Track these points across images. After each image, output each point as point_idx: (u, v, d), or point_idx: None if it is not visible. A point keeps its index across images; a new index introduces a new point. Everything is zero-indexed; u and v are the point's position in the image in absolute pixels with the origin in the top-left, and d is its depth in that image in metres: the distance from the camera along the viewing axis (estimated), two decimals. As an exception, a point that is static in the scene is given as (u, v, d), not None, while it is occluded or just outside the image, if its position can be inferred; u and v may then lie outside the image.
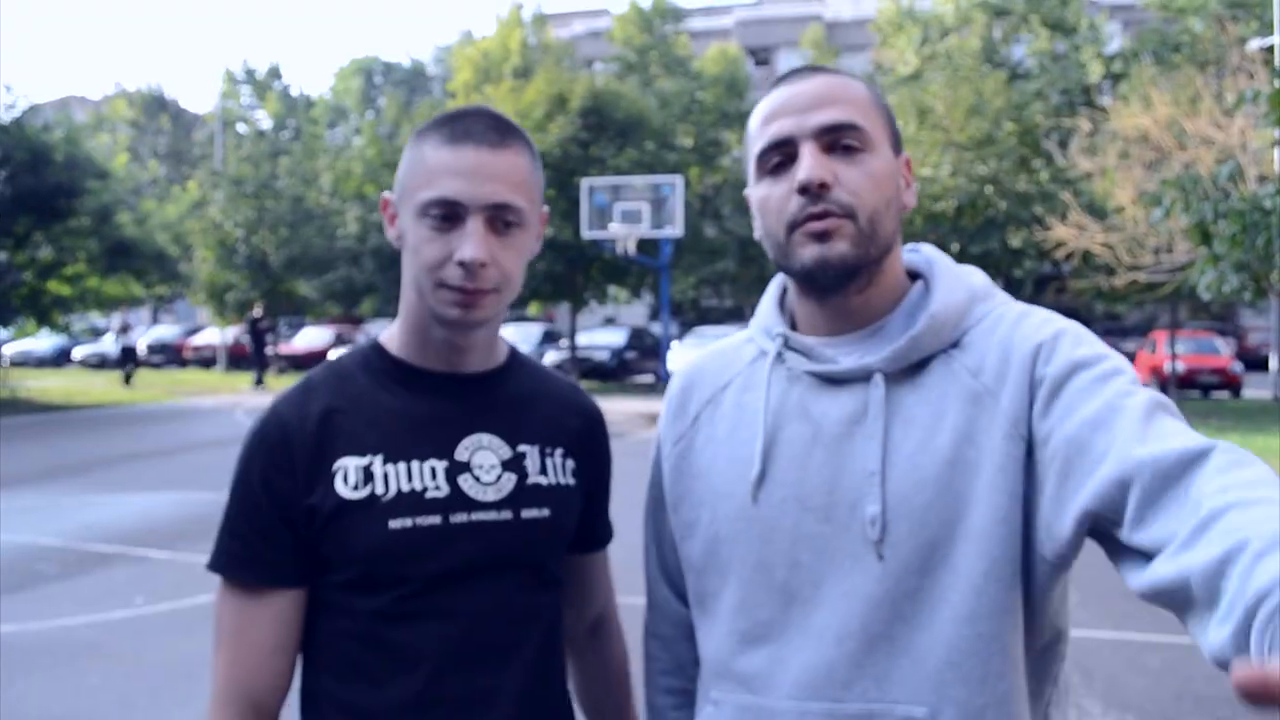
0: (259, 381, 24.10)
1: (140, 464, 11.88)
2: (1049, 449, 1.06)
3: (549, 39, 38.64)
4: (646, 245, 21.61)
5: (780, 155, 1.19)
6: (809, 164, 1.15)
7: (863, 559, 1.12)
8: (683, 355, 22.85)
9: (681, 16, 41.70)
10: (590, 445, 1.49)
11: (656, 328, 29.57)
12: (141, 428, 16.11)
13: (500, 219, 1.27)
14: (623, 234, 19.76)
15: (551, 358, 26.52)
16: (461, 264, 1.24)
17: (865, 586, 1.12)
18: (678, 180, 20.73)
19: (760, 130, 1.21)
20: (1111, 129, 18.42)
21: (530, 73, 31.13)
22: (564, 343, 26.89)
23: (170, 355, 32.93)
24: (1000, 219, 22.43)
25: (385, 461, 1.30)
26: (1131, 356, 25.45)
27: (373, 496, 1.28)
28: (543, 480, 1.38)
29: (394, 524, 1.27)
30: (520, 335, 27.91)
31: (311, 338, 29.36)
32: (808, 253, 1.16)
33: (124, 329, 25.77)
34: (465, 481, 1.32)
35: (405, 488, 1.29)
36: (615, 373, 26.29)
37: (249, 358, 26.25)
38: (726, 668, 1.21)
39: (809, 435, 1.19)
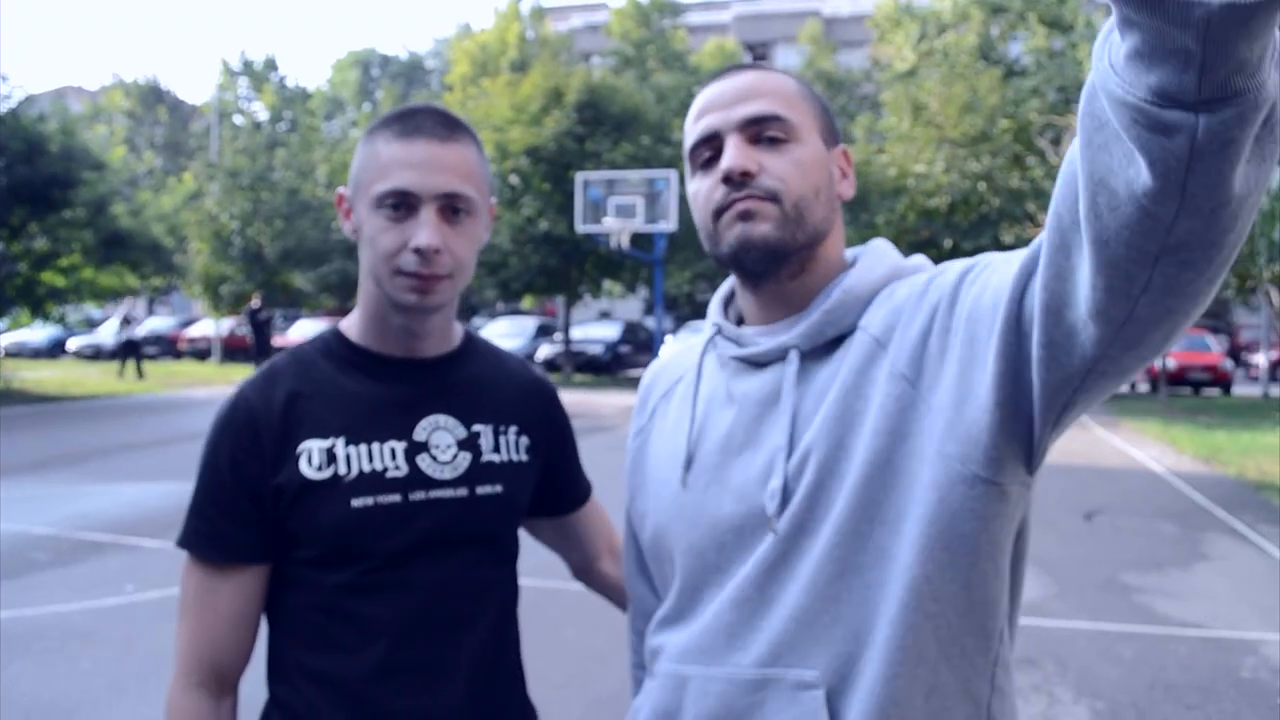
0: None
1: (134, 454, 11.93)
2: (957, 353, 1.06)
3: (547, 33, 38.66)
4: (641, 240, 21.66)
5: (710, 150, 1.22)
6: (731, 154, 1.18)
7: (769, 531, 1.15)
8: (676, 350, 22.92)
9: (679, 11, 41.75)
10: (543, 419, 1.57)
11: (651, 322, 29.63)
12: (136, 419, 16.14)
13: (452, 207, 1.34)
14: (617, 228, 19.82)
15: (545, 351, 26.57)
16: (417, 251, 1.31)
17: (767, 554, 1.14)
18: (672, 175, 20.76)
19: (691, 127, 1.24)
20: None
21: (528, 66, 31.15)
22: (558, 336, 26.93)
23: (165, 347, 32.92)
24: (993, 216, 22.50)
25: (347, 443, 1.36)
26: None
27: (336, 477, 1.34)
28: (495, 458, 1.45)
29: (356, 503, 1.34)
30: (514, 329, 27.95)
31: (306, 330, 29.39)
32: (732, 233, 1.18)
33: (126, 321, 25.49)
34: (423, 461, 1.39)
35: (366, 468, 1.35)
36: (609, 366, 26.38)
37: (248, 349, 25.96)
38: (662, 644, 1.26)
39: (731, 418, 1.23)
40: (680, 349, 1.42)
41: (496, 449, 1.46)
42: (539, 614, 5.37)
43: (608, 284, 27.31)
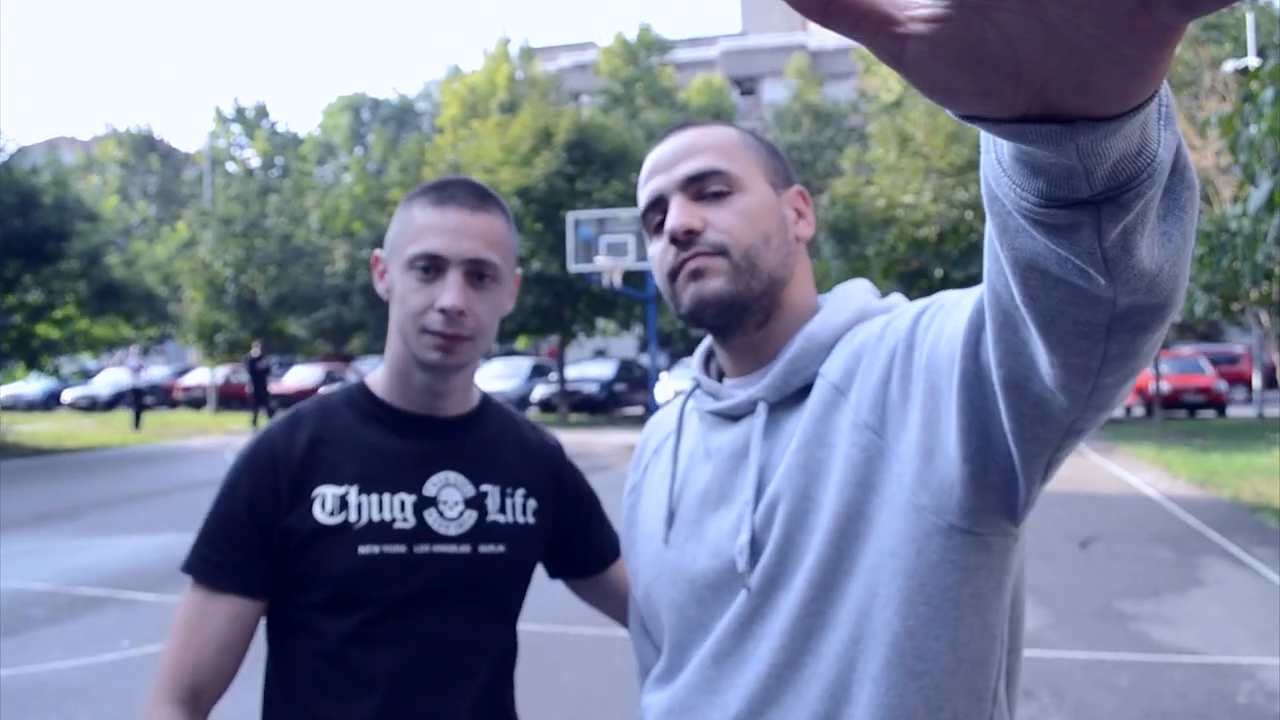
0: (255, 422, 23.62)
1: (130, 506, 11.90)
2: (919, 403, 1.03)
3: (536, 73, 38.94)
4: (633, 277, 21.73)
5: (659, 213, 1.23)
6: (674, 214, 1.19)
7: (740, 586, 1.15)
8: (671, 386, 22.93)
9: (667, 48, 42.09)
10: (553, 484, 1.61)
11: (646, 359, 29.64)
12: (132, 470, 16.12)
13: (478, 273, 1.42)
14: (609, 266, 19.86)
15: (540, 391, 26.55)
16: (443, 311, 1.38)
17: (742, 608, 1.14)
18: (662, 212, 20.80)
19: (641, 193, 1.26)
20: (1089, 153, 18.60)
21: (517, 107, 31.35)
22: (553, 376, 26.94)
23: (160, 396, 32.84)
24: (982, 244, 22.61)
25: (360, 492, 1.43)
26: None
27: (346, 523, 1.41)
28: (501, 518, 1.50)
29: (363, 550, 1.40)
30: (509, 369, 27.93)
31: (302, 376, 29.34)
32: (687, 294, 1.19)
33: (137, 369, 25.29)
34: (430, 515, 1.44)
35: (375, 517, 1.42)
36: (604, 405, 26.36)
37: (246, 398, 25.60)
38: (649, 704, 1.27)
39: (709, 473, 1.23)
40: (672, 404, 1.43)
41: (502, 510, 1.51)
42: (537, 658, 5.37)
43: (602, 322, 27.34)
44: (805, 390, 1.17)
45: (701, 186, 1.20)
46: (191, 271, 29.16)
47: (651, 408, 23.65)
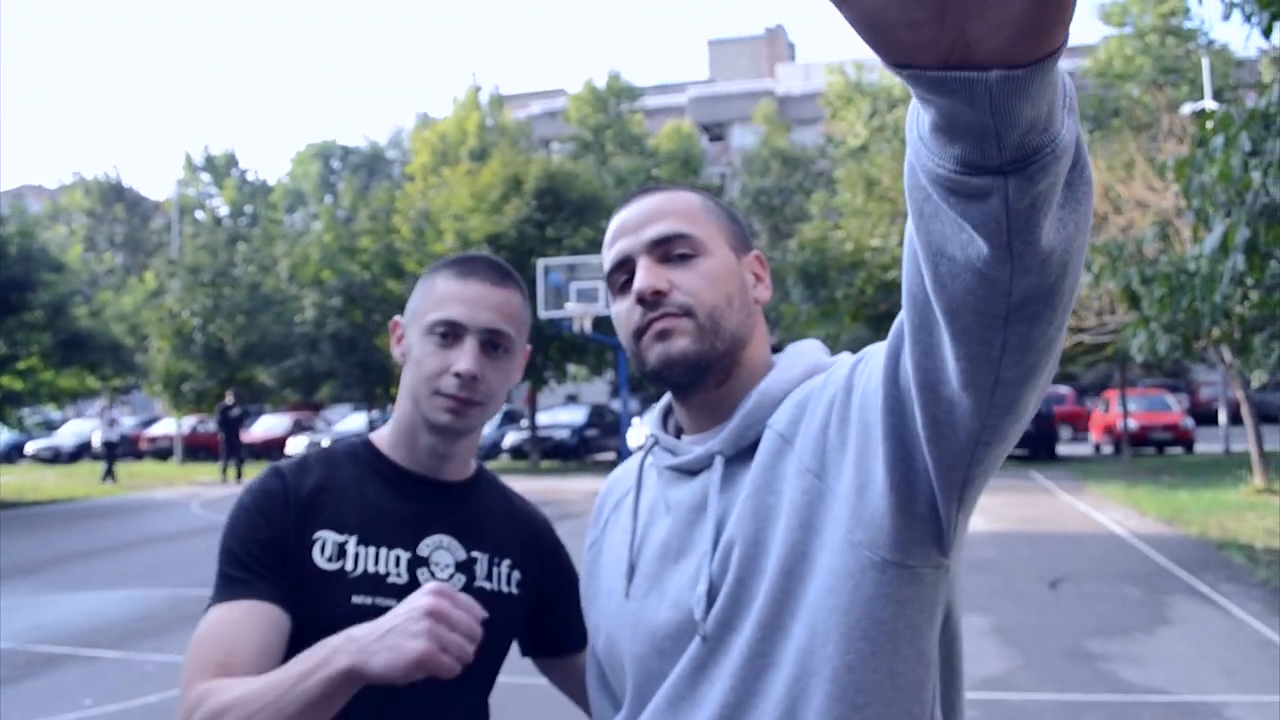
0: (224, 471, 23.30)
1: (94, 561, 11.71)
2: (854, 442, 1.08)
3: (506, 120, 39.15)
4: (604, 323, 21.77)
5: (625, 274, 1.27)
6: (642, 275, 1.23)
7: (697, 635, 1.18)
8: (643, 432, 22.88)
9: (636, 95, 42.44)
10: (539, 558, 1.64)
11: (618, 405, 29.63)
12: (96, 523, 15.87)
13: (492, 343, 1.48)
14: (579, 313, 19.92)
15: (512, 438, 26.44)
16: (457, 375, 1.44)
17: (697, 653, 1.17)
18: (632, 257, 20.88)
19: (606, 253, 1.31)
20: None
21: (488, 154, 31.47)
22: (524, 422, 26.85)
23: (126, 447, 32.38)
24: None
25: (359, 543, 1.46)
26: (1087, 415, 25.95)
27: (342, 571, 1.43)
28: (487, 585, 1.53)
29: (357, 599, 1.42)
30: (481, 415, 27.79)
31: (270, 425, 29.09)
32: (653, 353, 1.23)
33: (111, 423, 24.78)
34: (422, 574, 1.47)
35: (371, 569, 1.45)
36: (576, 451, 26.29)
37: (219, 448, 24.86)
38: None
39: (668, 527, 1.26)
40: (632, 459, 1.46)
41: (489, 577, 1.54)
42: (504, 710, 5.30)
43: (573, 368, 27.32)
44: (759, 443, 1.21)
45: (667, 249, 1.25)
46: (159, 321, 28.89)
47: (624, 453, 23.58)
